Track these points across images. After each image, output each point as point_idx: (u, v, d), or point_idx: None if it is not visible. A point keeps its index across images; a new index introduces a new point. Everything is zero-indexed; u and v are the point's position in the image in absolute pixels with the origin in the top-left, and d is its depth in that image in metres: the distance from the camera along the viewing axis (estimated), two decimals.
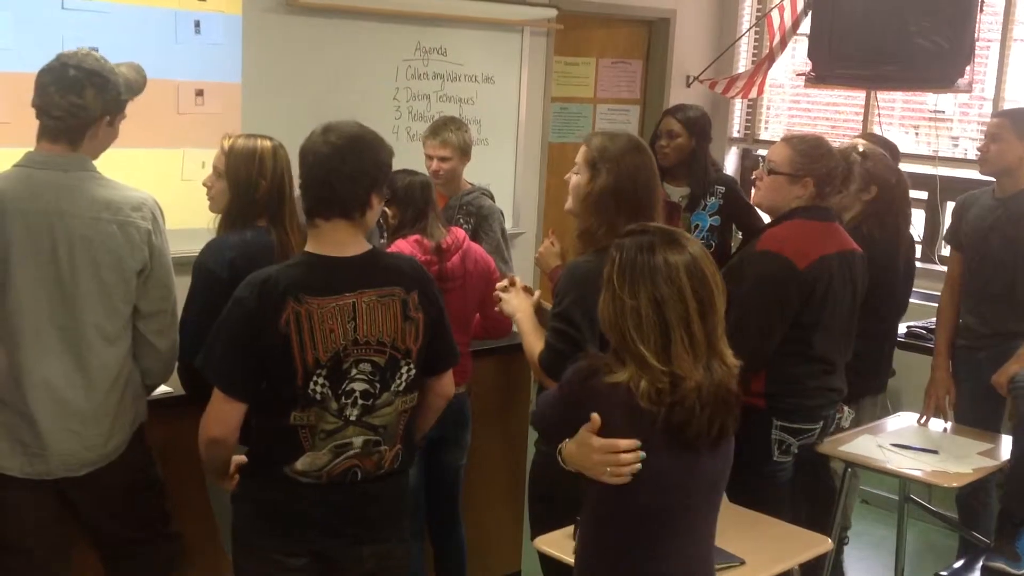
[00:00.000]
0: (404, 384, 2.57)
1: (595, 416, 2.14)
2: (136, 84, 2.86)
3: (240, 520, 2.63)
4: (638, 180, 2.88)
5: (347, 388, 2.48)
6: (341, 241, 2.52)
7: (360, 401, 2.50)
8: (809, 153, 3.27)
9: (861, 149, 3.90)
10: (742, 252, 3.31)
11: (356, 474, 2.54)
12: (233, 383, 2.47)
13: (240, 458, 2.61)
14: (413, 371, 2.58)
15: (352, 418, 2.50)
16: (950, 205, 6.17)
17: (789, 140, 3.34)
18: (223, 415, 2.47)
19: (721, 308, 2.15)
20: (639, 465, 2.11)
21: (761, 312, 3.16)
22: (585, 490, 2.24)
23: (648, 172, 2.91)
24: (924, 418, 3.98)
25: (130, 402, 2.84)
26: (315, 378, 2.45)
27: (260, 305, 2.42)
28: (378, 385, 2.52)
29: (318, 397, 2.46)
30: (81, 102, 2.69)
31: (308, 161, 2.50)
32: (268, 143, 3.04)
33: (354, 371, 2.49)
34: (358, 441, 2.52)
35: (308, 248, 2.54)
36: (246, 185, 3.01)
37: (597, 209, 2.87)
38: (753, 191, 3.43)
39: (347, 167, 2.48)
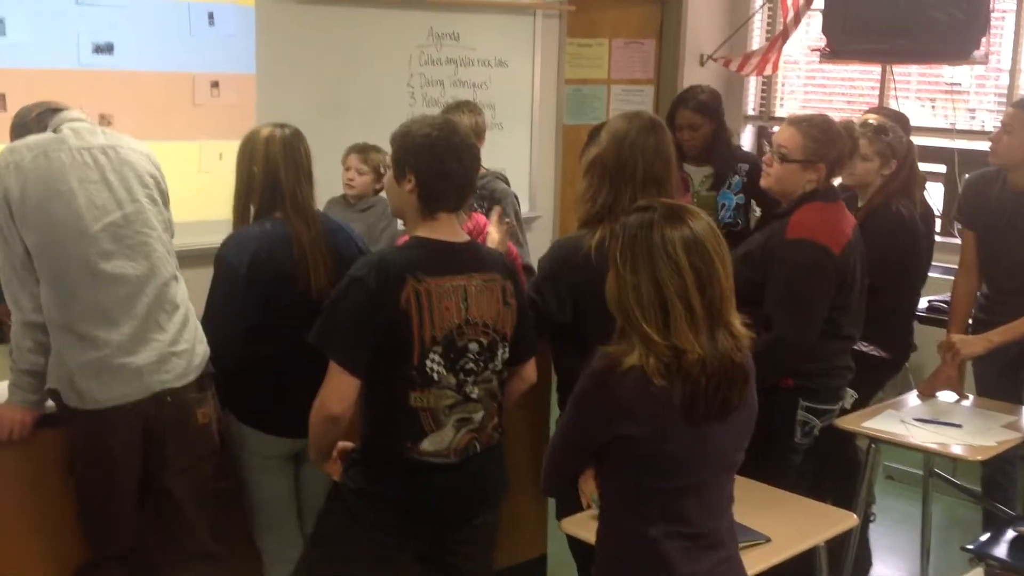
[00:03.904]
0: (500, 364, 2.70)
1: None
2: None
3: (346, 517, 2.67)
4: (632, 154, 2.96)
5: (464, 365, 2.59)
6: (453, 229, 2.66)
7: (471, 378, 2.62)
8: (820, 138, 3.24)
9: (876, 123, 3.88)
10: (765, 240, 3.26)
11: (476, 447, 2.66)
12: (355, 358, 2.52)
13: (346, 444, 2.69)
14: (507, 354, 2.71)
15: (473, 395, 2.63)
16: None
17: (798, 124, 3.29)
18: (343, 391, 2.53)
19: (726, 280, 2.13)
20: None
21: (807, 301, 3.15)
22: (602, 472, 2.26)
23: (651, 150, 2.97)
24: (919, 393, 3.88)
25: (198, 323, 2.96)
26: (431, 355, 2.55)
27: (380, 284, 2.50)
28: (482, 364, 2.64)
29: (435, 376, 2.56)
30: None
31: (448, 157, 2.58)
32: (267, 131, 3.05)
33: (467, 349, 2.60)
34: (477, 416, 2.65)
35: (421, 234, 2.62)
36: (242, 174, 3.05)
37: (588, 179, 3.02)
38: (763, 176, 3.40)
39: (474, 163, 2.69)
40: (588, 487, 2.31)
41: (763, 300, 3.15)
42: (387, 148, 2.74)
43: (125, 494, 2.86)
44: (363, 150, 4.43)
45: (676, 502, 2.17)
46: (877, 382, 3.76)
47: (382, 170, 4.42)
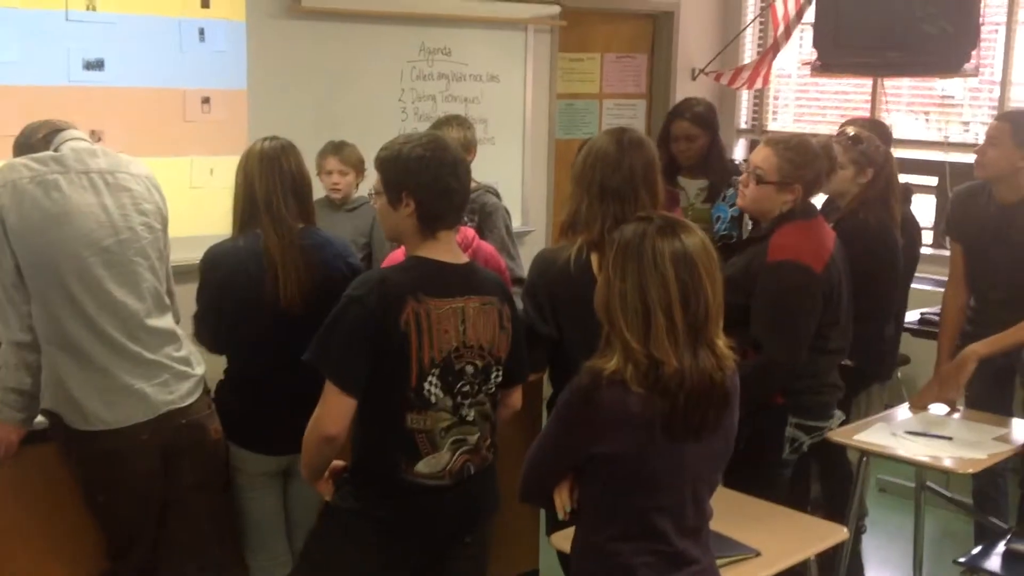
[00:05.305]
0: (494, 387, 2.67)
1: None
2: None
3: (338, 536, 2.65)
4: (592, 164, 2.96)
5: (461, 388, 2.56)
6: (452, 248, 2.63)
7: (468, 400, 2.59)
8: (796, 160, 3.21)
9: (852, 133, 3.89)
10: (748, 264, 3.23)
11: (470, 469, 2.63)
12: (351, 379, 2.48)
13: (338, 463, 2.66)
14: (500, 378, 2.68)
15: (468, 417, 2.60)
16: None
17: (775, 146, 3.26)
18: (339, 411, 2.48)
19: (713, 298, 2.13)
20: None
21: (792, 322, 3.14)
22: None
23: (611, 165, 2.95)
24: (911, 406, 3.85)
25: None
26: (429, 378, 2.51)
27: (380, 304, 2.46)
28: (476, 386, 2.61)
29: (432, 400, 2.52)
30: None
31: (445, 174, 2.54)
32: (254, 145, 3.05)
33: (464, 372, 2.57)
34: (472, 437, 2.62)
35: (421, 253, 2.58)
36: (234, 186, 3.05)
37: (572, 193, 3.01)
38: (739, 196, 3.38)
39: (468, 177, 2.65)
40: (562, 499, 2.30)
41: (749, 321, 3.14)
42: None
43: (150, 520, 2.90)
44: (339, 149, 4.34)
45: (651, 520, 2.17)
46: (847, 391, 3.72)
47: (361, 166, 4.41)
